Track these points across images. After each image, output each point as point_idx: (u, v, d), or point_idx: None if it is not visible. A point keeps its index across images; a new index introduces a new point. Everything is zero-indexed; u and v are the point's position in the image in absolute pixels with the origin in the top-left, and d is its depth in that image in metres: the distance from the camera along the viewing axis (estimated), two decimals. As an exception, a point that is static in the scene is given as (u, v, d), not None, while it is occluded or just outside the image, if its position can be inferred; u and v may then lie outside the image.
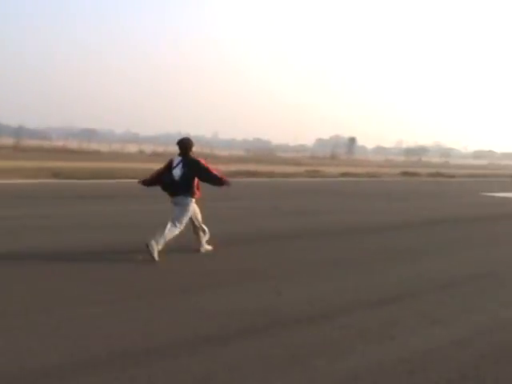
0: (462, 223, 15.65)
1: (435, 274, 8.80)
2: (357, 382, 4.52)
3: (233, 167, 35.97)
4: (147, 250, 8.62)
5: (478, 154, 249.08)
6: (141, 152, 61.52)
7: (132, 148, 67.69)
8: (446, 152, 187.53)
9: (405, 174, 45.67)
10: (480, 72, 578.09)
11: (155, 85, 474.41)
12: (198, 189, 9.45)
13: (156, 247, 8.68)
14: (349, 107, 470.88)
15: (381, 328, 5.89)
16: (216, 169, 9.79)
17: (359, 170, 43.73)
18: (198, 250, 9.66)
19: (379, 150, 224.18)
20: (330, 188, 27.42)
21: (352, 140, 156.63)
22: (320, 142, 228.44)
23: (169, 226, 8.98)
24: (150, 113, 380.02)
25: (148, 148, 68.04)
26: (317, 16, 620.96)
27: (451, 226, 14.82)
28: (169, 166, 9.60)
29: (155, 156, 53.10)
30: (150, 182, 9.89)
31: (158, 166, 10.06)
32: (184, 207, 9.25)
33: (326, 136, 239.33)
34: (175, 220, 9.11)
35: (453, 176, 48.33)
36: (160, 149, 66.28)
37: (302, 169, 41.33)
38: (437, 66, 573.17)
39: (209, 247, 9.81)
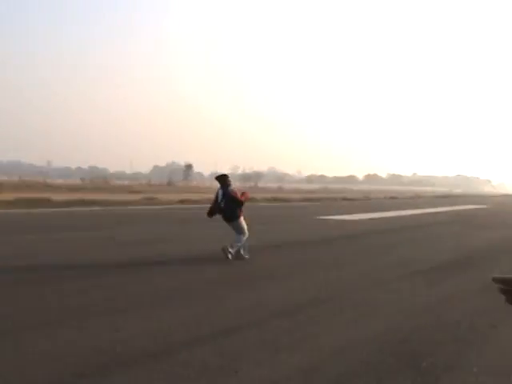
0: (297, 247, 15.88)
1: (275, 300, 8.70)
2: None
3: (67, 196, 34.65)
4: (223, 252, 12.37)
5: (310, 179, 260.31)
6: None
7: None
8: (281, 177, 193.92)
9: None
10: (308, 101, 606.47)
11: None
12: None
13: (230, 251, 12.39)
14: (184, 134, 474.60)
15: (224, 361, 5.62)
16: (243, 194, 13.22)
17: (197, 197, 43.75)
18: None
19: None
20: (168, 216, 27.09)
21: (188, 166, 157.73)
22: (157, 168, 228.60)
23: (236, 237, 12.75)
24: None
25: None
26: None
27: (289, 250, 14.98)
28: (216, 199, 13.13)
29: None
30: (211, 213, 13.35)
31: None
32: (236, 225, 12.93)
33: (162, 163, 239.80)
34: (238, 233, 12.83)
35: (288, 200, 49.76)
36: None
37: (139, 196, 40.68)
38: (263, 96, 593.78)
39: (246, 256, 12.84)
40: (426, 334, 6.99)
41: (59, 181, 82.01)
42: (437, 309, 8.43)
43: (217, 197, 13.12)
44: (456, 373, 5.54)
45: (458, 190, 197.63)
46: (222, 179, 13.02)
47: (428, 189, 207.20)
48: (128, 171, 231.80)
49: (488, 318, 7.84)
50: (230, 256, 12.36)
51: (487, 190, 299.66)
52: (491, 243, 18.41)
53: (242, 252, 12.82)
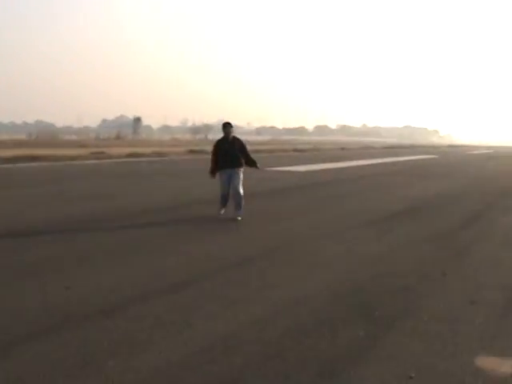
0: (248, 199, 15.83)
1: (227, 252, 8.69)
2: (156, 379, 4.17)
3: (13, 152, 33.80)
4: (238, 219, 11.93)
5: (260, 131, 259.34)
6: None
7: None
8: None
9: (191, 152, 46.11)
10: (257, 53, 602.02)
11: None
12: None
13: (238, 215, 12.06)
14: (133, 86, 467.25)
15: (177, 315, 5.58)
16: None
17: (146, 150, 43.25)
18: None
19: (165, 129, 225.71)
20: (117, 170, 26.73)
21: (137, 120, 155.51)
22: (105, 122, 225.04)
23: (236, 196, 12.19)
24: None
25: None
26: None
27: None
28: (216, 151, 12.44)
29: None
30: (214, 170, 12.47)
31: None
32: (239, 176, 12.28)
33: (111, 116, 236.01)
34: (238, 185, 12.18)
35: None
36: None
37: (87, 151, 39.96)
38: (213, 47, 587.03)
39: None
40: (378, 283, 7.07)
41: (4, 136, 79.80)
42: (388, 258, 8.53)
43: (217, 148, 12.46)
44: (407, 321, 5.63)
45: (406, 141, 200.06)
46: (229, 127, 12.47)
47: (377, 139, 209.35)
48: (76, 125, 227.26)
49: (438, 267, 7.98)
50: (239, 218, 12.02)
51: (435, 140, 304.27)
52: (440, 193, 18.72)
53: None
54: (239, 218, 11.94)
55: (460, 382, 4.26)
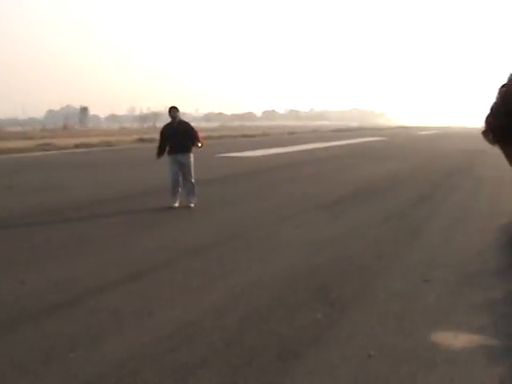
0: (200, 186, 15.79)
1: (182, 240, 8.71)
2: (118, 370, 4.16)
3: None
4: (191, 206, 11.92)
5: (208, 117, 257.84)
6: None
7: None
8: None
9: (141, 140, 45.64)
10: (197, 40, 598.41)
11: None
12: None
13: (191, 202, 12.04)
14: (79, 75, 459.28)
15: (136, 305, 5.58)
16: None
17: (94, 140, 42.68)
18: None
19: (113, 118, 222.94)
20: (65, 161, 26.32)
21: (84, 109, 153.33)
22: (51, 113, 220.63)
23: (188, 185, 12.19)
24: None
25: None
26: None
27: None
28: (162, 136, 12.43)
29: None
30: (161, 152, 12.40)
31: None
32: (189, 161, 12.24)
33: (56, 107, 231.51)
34: (189, 175, 12.18)
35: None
36: None
37: (33, 143, 39.19)
38: (153, 37, 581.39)
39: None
40: (333, 266, 7.17)
41: None
42: (341, 241, 8.65)
43: (163, 133, 12.44)
44: (364, 301, 5.76)
45: (353, 124, 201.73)
46: (175, 111, 12.33)
47: (324, 123, 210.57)
48: (21, 117, 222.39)
49: (391, 247, 8.14)
50: (192, 205, 11.97)
51: (382, 122, 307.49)
52: (389, 175, 18.95)
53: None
54: (192, 205, 11.89)
55: (416, 357, 4.37)
